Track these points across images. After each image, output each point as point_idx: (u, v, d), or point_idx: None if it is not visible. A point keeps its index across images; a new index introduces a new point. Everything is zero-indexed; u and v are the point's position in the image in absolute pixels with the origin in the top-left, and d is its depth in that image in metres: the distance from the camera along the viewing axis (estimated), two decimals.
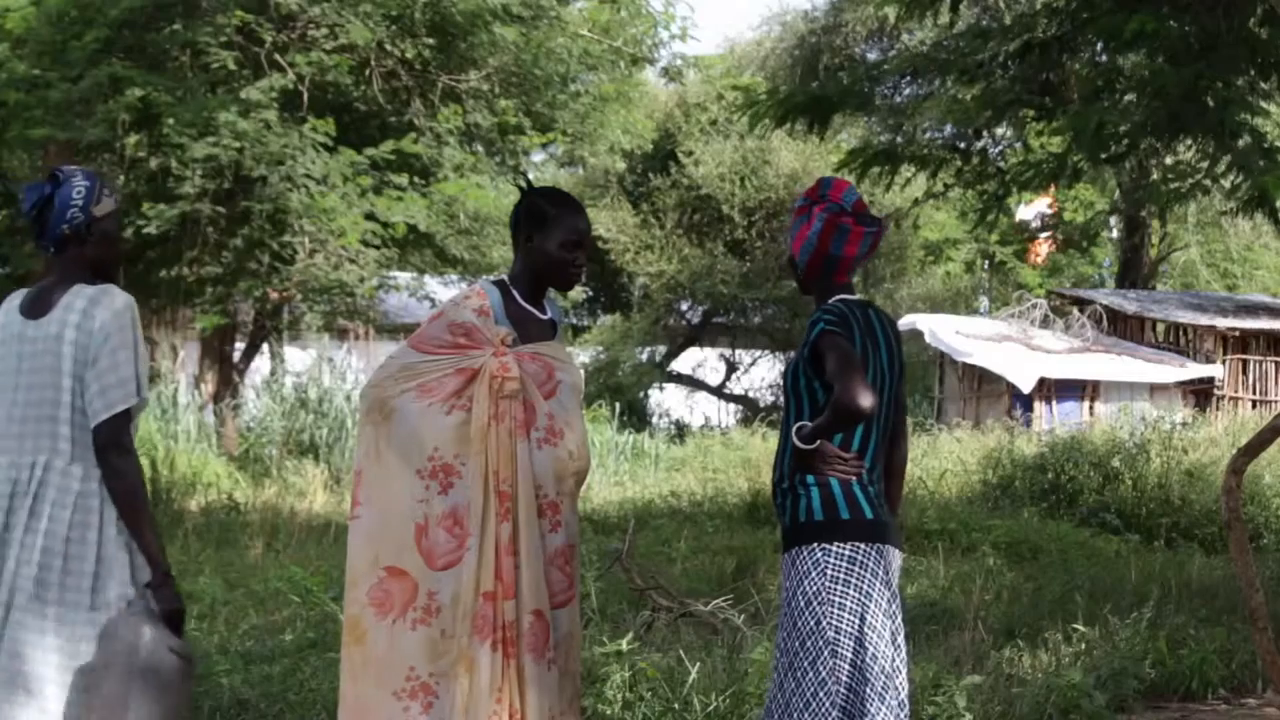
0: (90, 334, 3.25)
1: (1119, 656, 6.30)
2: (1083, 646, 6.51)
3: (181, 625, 3.31)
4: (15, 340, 3.33)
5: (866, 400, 3.22)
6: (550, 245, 3.63)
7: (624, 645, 5.52)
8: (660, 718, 5.14)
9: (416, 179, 16.62)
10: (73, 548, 3.23)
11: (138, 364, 3.28)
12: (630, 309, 30.51)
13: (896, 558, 3.49)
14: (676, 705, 5.18)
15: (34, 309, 3.34)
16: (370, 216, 15.92)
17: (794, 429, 3.40)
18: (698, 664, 5.44)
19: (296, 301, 17.43)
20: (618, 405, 23.28)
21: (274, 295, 17.64)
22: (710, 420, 30.05)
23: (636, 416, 26.56)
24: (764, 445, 17.49)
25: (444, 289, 20.17)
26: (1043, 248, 31.07)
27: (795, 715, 3.32)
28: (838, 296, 3.54)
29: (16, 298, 3.42)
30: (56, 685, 3.20)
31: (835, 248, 3.52)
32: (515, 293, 3.65)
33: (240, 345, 19.96)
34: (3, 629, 3.22)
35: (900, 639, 3.44)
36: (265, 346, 20.92)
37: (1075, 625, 6.79)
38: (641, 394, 29.62)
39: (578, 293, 28.08)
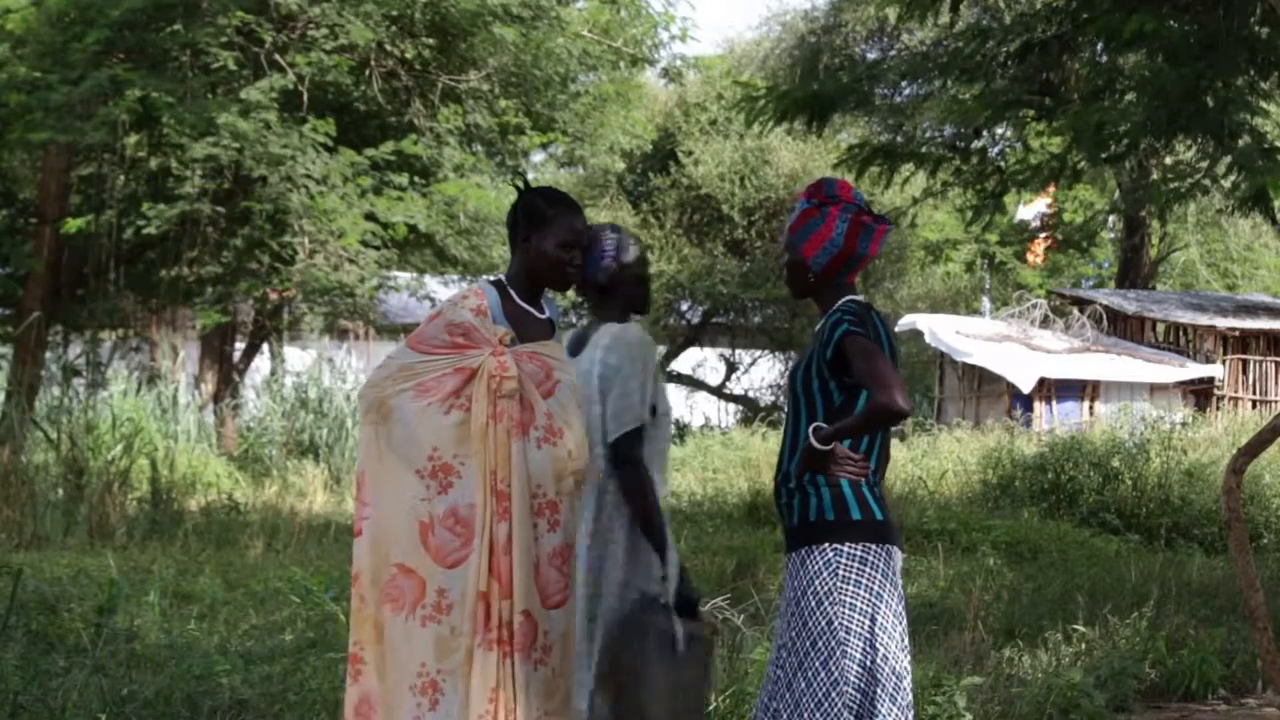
0: (609, 366, 3.80)
1: (1119, 656, 6.30)
2: (1083, 646, 6.51)
3: (696, 610, 3.75)
4: None
5: (908, 403, 3.24)
6: (548, 245, 3.63)
7: None
8: None
9: (416, 179, 16.62)
10: (609, 548, 3.79)
11: (645, 389, 3.80)
12: None
13: (900, 558, 3.50)
14: None
15: (575, 348, 3.96)
16: (370, 217, 15.93)
17: (811, 429, 3.38)
18: None
19: (297, 302, 17.44)
20: None
21: (274, 295, 17.65)
22: (710, 420, 30.05)
23: None
24: (764, 445, 17.49)
25: (444, 289, 20.18)
26: (1041, 247, 31.08)
27: (806, 715, 3.31)
28: (848, 297, 3.52)
29: (565, 336, 3.99)
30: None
31: (862, 247, 3.52)
32: (513, 292, 3.65)
33: (240, 345, 19.96)
34: (593, 612, 3.79)
35: (907, 641, 3.43)
36: (265, 346, 20.92)
37: (1075, 625, 6.79)
38: None
39: (577, 292, 28.07)
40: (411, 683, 3.43)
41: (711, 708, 5.14)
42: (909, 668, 3.39)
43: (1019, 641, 6.68)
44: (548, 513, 3.55)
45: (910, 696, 3.38)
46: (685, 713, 3.65)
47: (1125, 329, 26.05)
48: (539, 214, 3.65)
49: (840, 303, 3.49)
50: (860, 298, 3.54)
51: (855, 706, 3.30)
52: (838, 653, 3.30)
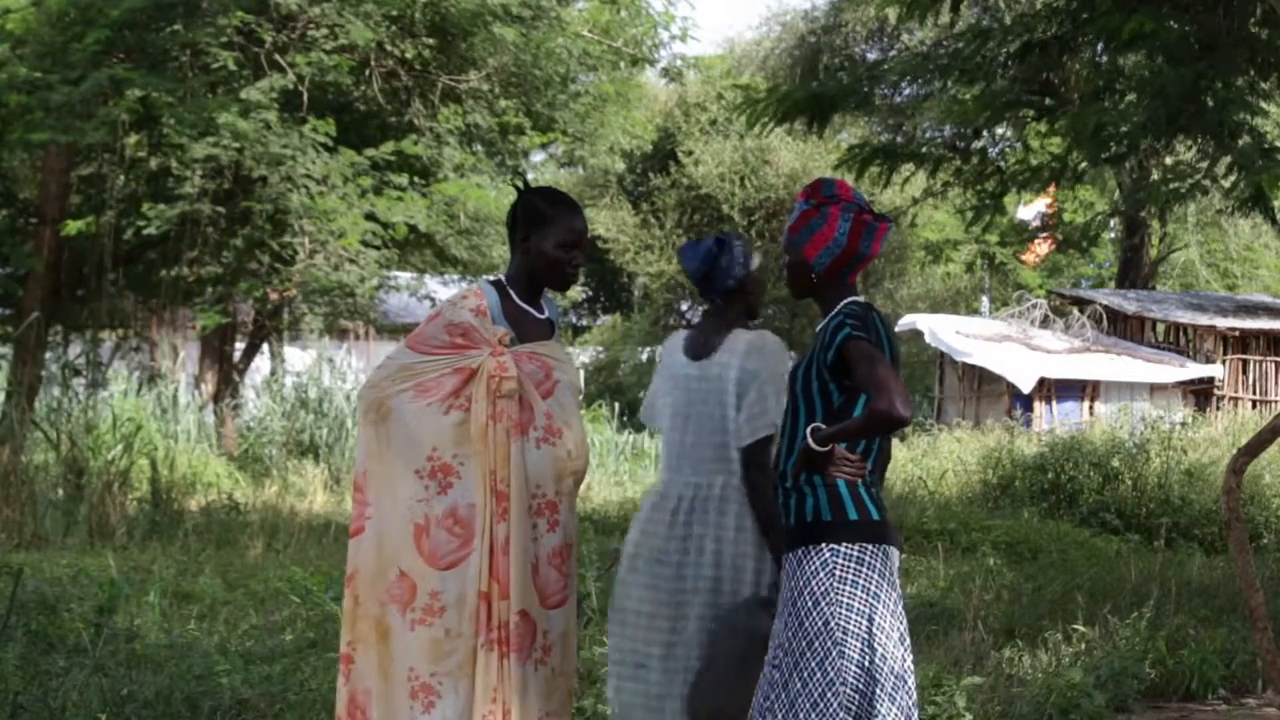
0: (748, 371, 3.84)
1: (1119, 656, 6.30)
2: (1083, 646, 6.51)
3: None
4: (683, 379, 3.96)
5: (908, 410, 3.23)
6: (547, 245, 3.63)
7: None
8: None
9: (416, 179, 16.62)
10: (740, 548, 3.83)
11: (781, 396, 3.78)
12: (630, 309, 30.52)
13: (897, 558, 3.49)
14: None
15: (697, 351, 3.96)
16: (370, 217, 15.92)
17: (809, 430, 3.38)
18: None
19: (297, 302, 17.44)
20: (618, 405, 23.28)
21: (274, 295, 17.65)
22: None
23: (636, 416, 26.56)
24: None
25: (444, 289, 20.17)
26: (1041, 248, 31.07)
27: (802, 715, 3.30)
28: (849, 299, 3.51)
29: (677, 340, 4.07)
30: (697, 660, 3.81)
31: (865, 246, 3.51)
32: (512, 292, 3.65)
33: (240, 345, 19.96)
34: (680, 614, 3.85)
35: (908, 639, 3.43)
36: (265, 346, 20.92)
37: (1075, 625, 6.79)
38: (641, 394, 29.61)
39: (577, 292, 28.06)
40: (404, 686, 3.44)
41: None
42: (910, 667, 3.38)
43: (1019, 641, 6.68)
44: (547, 513, 3.55)
45: (914, 695, 3.37)
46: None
47: (1125, 329, 26.05)
48: (538, 214, 3.65)
49: (842, 305, 3.47)
50: (861, 298, 3.53)
51: (852, 707, 3.29)
52: (834, 653, 3.29)
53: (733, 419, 3.83)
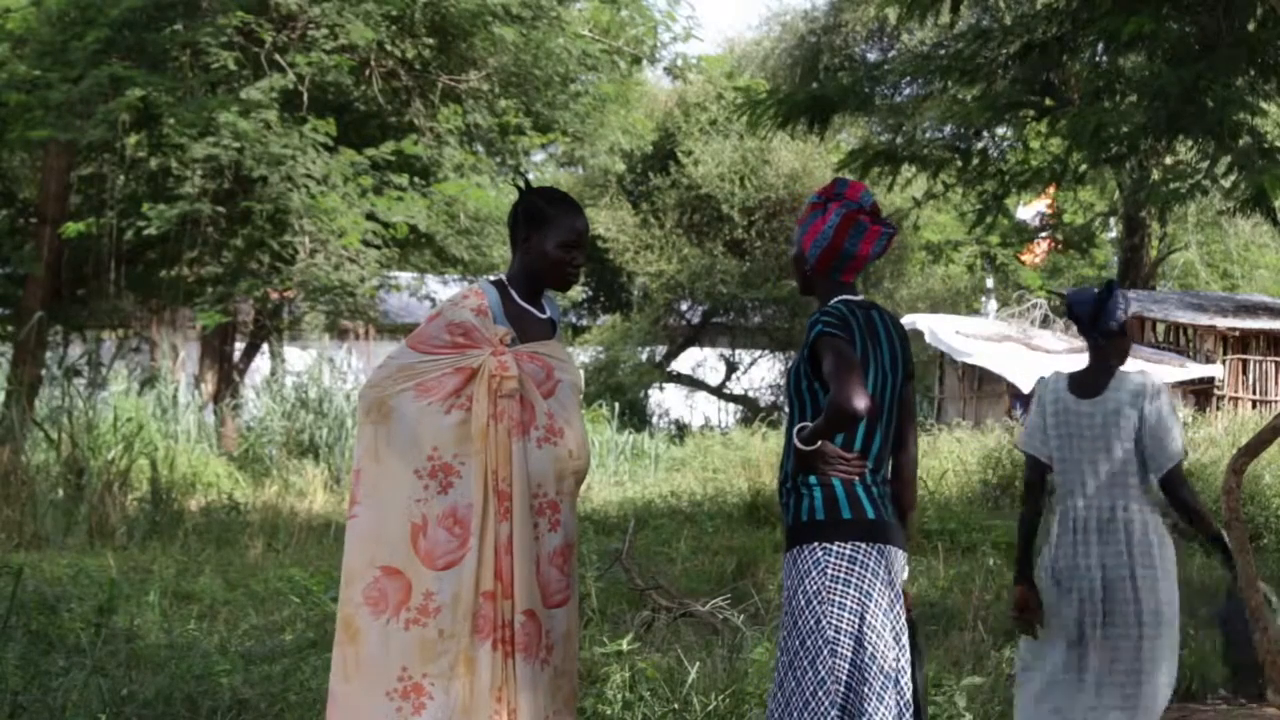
0: (1142, 411, 4.33)
1: None
2: None
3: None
4: (1074, 415, 4.41)
5: (861, 402, 3.21)
6: (548, 245, 3.63)
7: (624, 645, 5.53)
8: (660, 718, 5.14)
9: (417, 179, 16.63)
10: (1131, 561, 4.42)
11: (1178, 429, 4.38)
12: (630, 309, 30.50)
13: (899, 558, 3.49)
14: (676, 705, 5.18)
15: (1086, 390, 4.42)
16: (371, 216, 15.94)
17: (795, 430, 3.40)
18: (697, 664, 5.44)
19: (297, 301, 17.44)
20: (618, 405, 23.28)
21: (274, 295, 17.66)
22: (710, 420, 30.05)
23: (636, 416, 26.57)
24: (764, 445, 17.50)
25: (444, 289, 20.18)
26: (1040, 248, 31.06)
27: (795, 714, 3.32)
28: (840, 297, 3.53)
29: (1059, 381, 4.50)
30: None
31: (850, 244, 3.53)
32: (513, 292, 3.65)
33: (240, 345, 19.96)
34: (1091, 634, 4.45)
35: (904, 639, 3.43)
36: (265, 346, 20.93)
37: None
38: (641, 394, 29.62)
39: (577, 292, 28.04)
40: (390, 687, 3.40)
41: (711, 707, 5.15)
42: (904, 667, 3.39)
43: (1019, 642, 6.67)
44: (548, 513, 3.55)
45: (906, 695, 3.38)
46: None
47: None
48: (539, 214, 3.65)
49: (830, 303, 3.51)
50: (855, 298, 3.55)
51: (844, 705, 3.31)
52: (825, 651, 3.31)
53: (1130, 450, 4.34)
